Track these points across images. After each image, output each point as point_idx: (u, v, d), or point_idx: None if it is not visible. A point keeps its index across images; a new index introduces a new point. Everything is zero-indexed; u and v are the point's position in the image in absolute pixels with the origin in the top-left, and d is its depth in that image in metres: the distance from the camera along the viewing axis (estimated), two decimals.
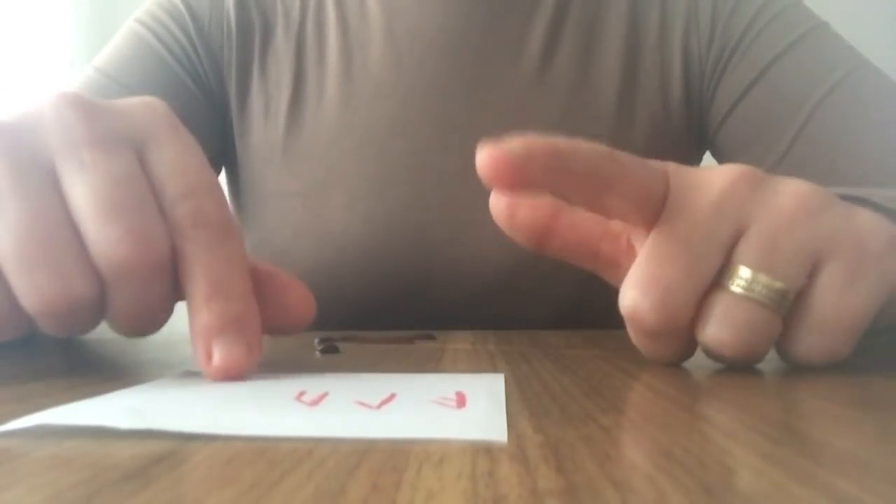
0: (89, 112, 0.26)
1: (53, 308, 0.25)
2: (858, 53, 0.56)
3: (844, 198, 0.45)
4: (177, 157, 0.27)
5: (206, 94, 0.61)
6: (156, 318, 0.28)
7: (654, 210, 0.27)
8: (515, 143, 0.26)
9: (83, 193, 0.25)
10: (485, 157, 0.26)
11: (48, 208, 0.25)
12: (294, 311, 0.30)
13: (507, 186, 0.26)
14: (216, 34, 0.61)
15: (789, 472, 0.13)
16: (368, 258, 0.57)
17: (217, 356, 0.25)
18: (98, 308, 0.26)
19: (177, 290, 0.27)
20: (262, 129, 0.60)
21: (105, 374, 0.28)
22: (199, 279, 0.26)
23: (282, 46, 0.61)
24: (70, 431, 0.17)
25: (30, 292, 0.25)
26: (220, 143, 0.63)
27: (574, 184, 0.27)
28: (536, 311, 0.57)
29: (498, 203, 0.30)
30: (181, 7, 0.61)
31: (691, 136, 0.61)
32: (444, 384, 0.24)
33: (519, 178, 0.26)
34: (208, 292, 0.26)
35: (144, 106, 0.28)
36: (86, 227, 0.25)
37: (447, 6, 0.58)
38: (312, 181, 0.58)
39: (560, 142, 0.26)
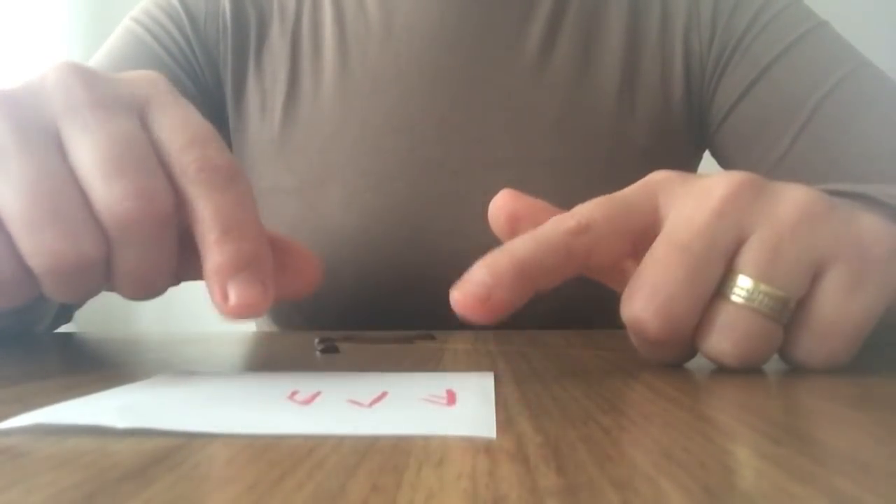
0: (91, 78, 0.27)
1: (62, 266, 0.25)
2: (859, 53, 0.56)
3: (849, 194, 0.46)
4: (178, 114, 0.28)
5: (203, 91, 0.61)
6: (160, 278, 0.28)
7: (648, 239, 0.27)
8: (477, 275, 0.26)
9: (87, 152, 0.25)
10: (455, 300, 0.26)
11: (53, 168, 0.25)
12: (298, 274, 0.30)
13: (488, 320, 0.26)
14: (212, 31, 0.61)
15: (789, 472, 0.13)
16: (365, 253, 0.57)
17: (233, 296, 0.25)
18: (104, 268, 0.26)
19: (181, 267, 0.27)
20: (258, 124, 0.60)
21: (105, 373, 0.28)
22: (209, 220, 0.26)
23: (277, 42, 0.61)
24: (70, 431, 0.17)
25: (38, 251, 0.25)
26: None
27: (552, 280, 0.27)
28: (535, 308, 0.57)
29: (498, 218, 0.31)
30: (177, 5, 0.61)
31: (692, 135, 0.61)
32: (435, 382, 0.24)
33: (495, 311, 0.26)
34: (220, 232, 0.26)
35: (144, 76, 0.29)
36: (90, 185, 0.25)
37: (445, 1, 0.58)
38: (309, 176, 0.58)
39: (521, 247, 0.26)
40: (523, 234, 0.27)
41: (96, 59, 0.60)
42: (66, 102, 0.26)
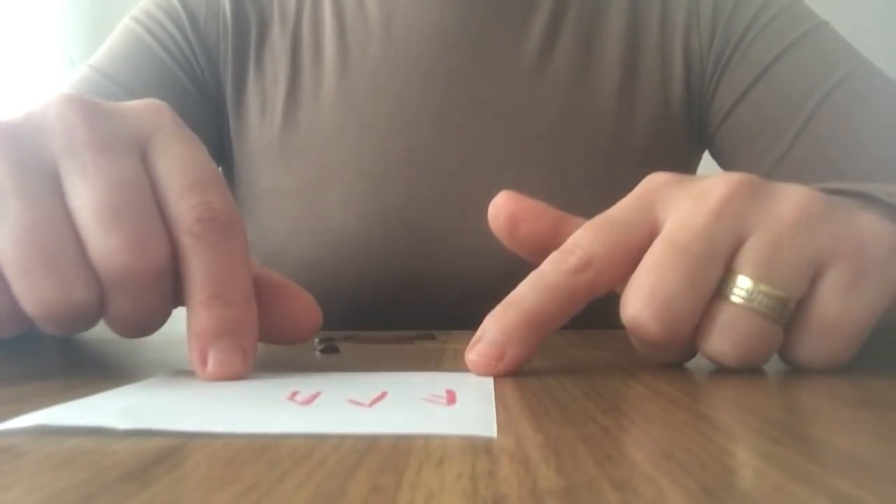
0: (93, 114, 0.26)
1: (53, 313, 0.25)
2: (859, 53, 0.56)
3: (848, 193, 0.46)
4: (180, 154, 0.27)
5: (203, 91, 0.61)
6: (154, 321, 0.28)
7: (644, 252, 0.27)
8: (489, 335, 0.26)
9: (84, 198, 0.25)
10: (470, 361, 0.27)
11: (50, 212, 0.25)
12: (298, 321, 0.30)
13: (506, 376, 0.27)
14: (212, 31, 0.61)
15: (789, 472, 0.13)
16: (365, 255, 0.57)
17: (212, 363, 0.25)
18: (97, 311, 0.26)
19: (177, 293, 0.27)
20: (259, 125, 0.60)
21: (105, 374, 0.28)
22: (198, 281, 0.26)
23: (278, 43, 0.61)
24: (69, 431, 0.17)
25: (30, 297, 0.25)
26: (217, 140, 0.63)
27: (561, 322, 0.27)
28: None
29: (498, 219, 0.31)
30: (177, 4, 0.61)
31: (692, 135, 0.61)
32: (434, 382, 0.24)
33: (510, 368, 0.26)
34: (208, 294, 0.26)
35: (148, 108, 0.28)
36: (86, 233, 0.25)
37: (445, 3, 0.58)
38: (309, 178, 0.58)
39: (527, 298, 0.27)
40: (527, 281, 0.27)
41: (95, 59, 0.60)
42: (66, 142, 0.25)
